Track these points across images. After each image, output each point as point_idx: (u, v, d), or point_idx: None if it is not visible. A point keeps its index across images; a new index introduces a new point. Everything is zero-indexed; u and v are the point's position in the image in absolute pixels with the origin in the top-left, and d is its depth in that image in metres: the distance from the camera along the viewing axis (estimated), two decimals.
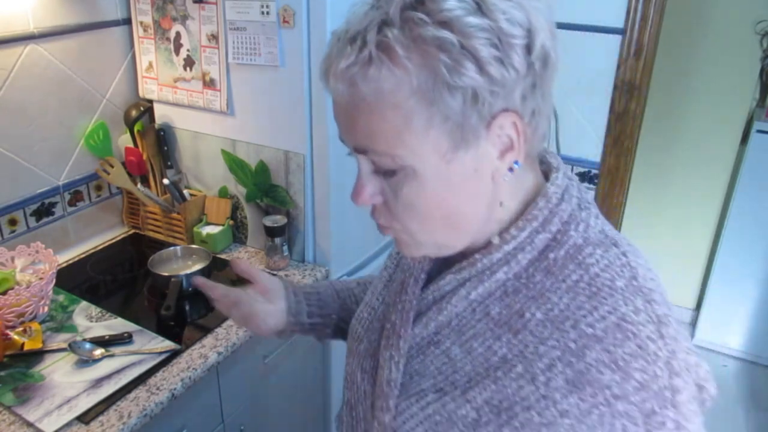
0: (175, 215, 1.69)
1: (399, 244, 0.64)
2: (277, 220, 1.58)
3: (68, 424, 1.08)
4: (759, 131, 2.50)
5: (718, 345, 2.89)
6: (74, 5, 1.53)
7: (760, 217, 2.59)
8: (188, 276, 1.46)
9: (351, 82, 0.54)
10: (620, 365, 0.53)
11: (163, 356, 1.24)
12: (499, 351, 0.59)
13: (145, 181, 1.72)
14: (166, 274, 1.46)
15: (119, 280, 1.56)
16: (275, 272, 1.59)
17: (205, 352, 1.27)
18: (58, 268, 1.44)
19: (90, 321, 1.36)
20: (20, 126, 1.48)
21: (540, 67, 0.56)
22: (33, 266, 1.41)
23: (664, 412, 0.53)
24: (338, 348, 1.68)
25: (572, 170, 2.08)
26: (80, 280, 1.53)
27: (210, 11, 1.50)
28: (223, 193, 1.71)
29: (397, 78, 0.53)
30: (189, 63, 1.59)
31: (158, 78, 1.67)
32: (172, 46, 1.61)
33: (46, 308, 1.37)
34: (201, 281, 0.93)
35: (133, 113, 1.67)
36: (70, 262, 1.61)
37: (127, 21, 1.66)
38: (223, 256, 1.66)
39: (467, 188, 0.58)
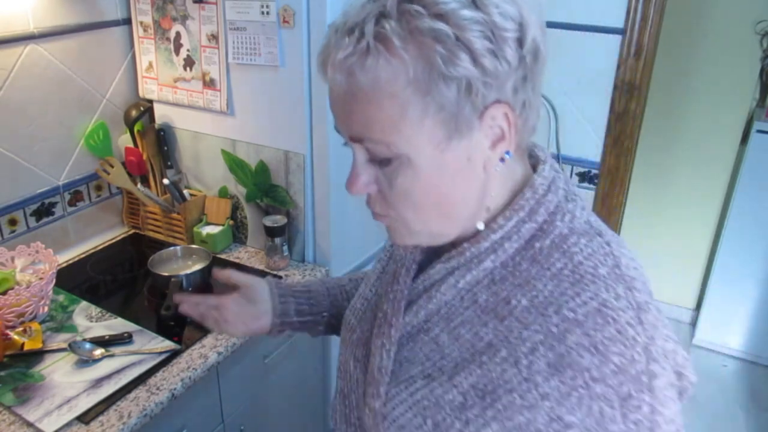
0: (175, 215, 1.69)
1: (392, 232, 0.66)
2: (277, 220, 1.58)
3: (68, 424, 1.08)
4: (759, 131, 2.49)
5: (718, 345, 2.89)
6: (74, 5, 1.53)
7: (760, 217, 2.59)
8: (188, 276, 1.46)
9: (349, 72, 0.55)
10: (600, 349, 0.55)
11: (163, 356, 1.24)
12: (485, 337, 0.61)
13: (145, 181, 1.72)
14: (166, 274, 1.46)
15: (119, 280, 1.56)
16: (275, 272, 1.59)
17: (205, 352, 1.27)
18: (58, 268, 1.44)
19: (90, 321, 1.36)
20: (20, 126, 1.48)
21: (531, 60, 0.57)
22: (33, 266, 1.41)
23: (640, 395, 0.54)
24: (338, 348, 1.68)
25: (572, 170, 2.09)
26: (80, 280, 1.53)
27: (210, 11, 1.50)
28: (223, 193, 1.71)
29: (394, 68, 0.54)
30: (189, 63, 1.59)
31: (158, 78, 1.67)
32: (172, 46, 1.61)
33: (46, 308, 1.37)
34: (185, 309, 0.95)
35: (133, 113, 1.67)
36: (70, 262, 1.61)
37: (127, 21, 1.66)
38: (223, 256, 1.66)
39: (460, 177, 0.60)
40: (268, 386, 1.51)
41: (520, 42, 0.56)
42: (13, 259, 1.40)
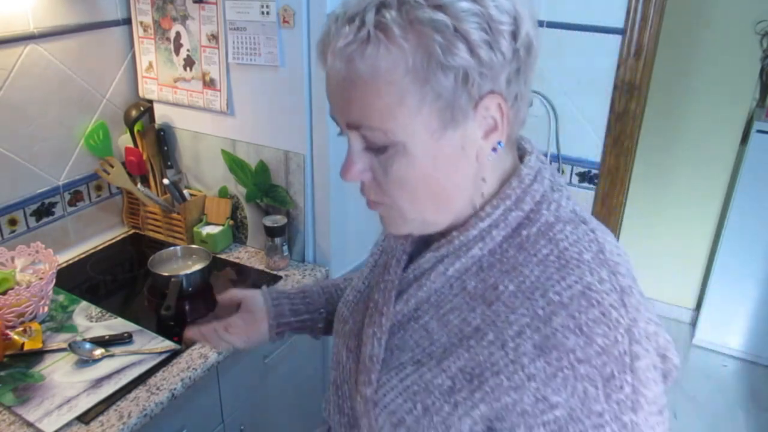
0: (175, 215, 1.69)
1: (386, 221, 0.67)
2: (277, 220, 1.58)
3: (68, 424, 1.08)
4: (759, 131, 2.49)
5: (718, 345, 2.89)
6: (74, 5, 1.53)
7: (760, 218, 2.59)
8: (188, 276, 1.46)
9: (349, 59, 0.57)
10: (584, 330, 0.56)
11: (163, 356, 1.24)
12: (473, 322, 0.62)
13: (145, 181, 1.72)
14: (166, 274, 1.46)
15: (119, 280, 1.56)
16: (275, 272, 1.59)
17: (205, 352, 1.27)
18: (58, 268, 1.44)
19: (90, 321, 1.36)
20: (20, 126, 1.48)
21: (524, 53, 0.59)
22: (33, 266, 1.41)
23: (622, 376, 0.55)
24: None
25: (572, 170, 2.09)
26: (80, 280, 1.53)
27: (210, 11, 1.50)
28: (223, 193, 1.71)
29: (393, 56, 0.55)
30: (189, 63, 1.59)
31: (158, 78, 1.67)
32: (172, 46, 1.61)
33: (46, 308, 1.37)
34: (189, 334, 0.98)
35: (133, 113, 1.67)
36: (70, 262, 1.61)
37: (127, 21, 1.66)
38: (223, 256, 1.66)
39: (454, 166, 0.61)
40: (268, 386, 1.51)
41: (515, 35, 0.57)
42: (13, 259, 1.40)
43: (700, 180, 2.85)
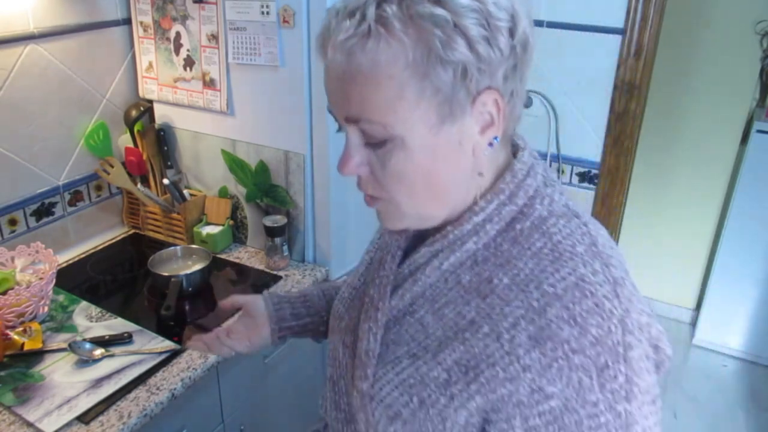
0: (175, 215, 1.69)
1: (383, 216, 0.68)
2: (277, 220, 1.58)
3: (68, 424, 1.08)
4: (759, 131, 2.49)
5: (718, 345, 2.89)
6: (74, 5, 1.53)
7: (760, 217, 2.59)
8: (188, 276, 1.46)
9: (349, 53, 0.57)
10: (578, 321, 0.57)
11: (163, 356, 1.24)
12: (468, 315, 0.63)
13: (145, 181, 1.72)
14: (166, 274, 1.46)
15: (119, 280, 1.56)
16: (275, 272, 1.59)
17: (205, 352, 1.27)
18: (58, 268, 1.44)
19: (90, 321, 1.36)
20: (20, 126, 1.48)
21: (521, 50, 0.60)
22: (33, 266, 1.41)
23: (616, 366, 0.56)
24: None
25: (572, 170, 2.09)
26: (80, 280, 1.53)
27: (210, 11, 1.50)
28: (223, 193, 1.71)
29: (393, 50, 0.56)
30: (189, 63, 1.59)
31: (158, 78, 1.67)
32: (172, 46, 1.61)
33: (46, 308, 1.37)
34: (190, 344, 0.99)
35: (133, 113, 1.67)
36: (70, 262, 1.61)
37: (127, 21, 1.66)
38: (223, 256, 1.66)
39: (451, 160, 0.62)
40: (268, 386, 1.51)
41: (512, 32, 0.58)
42: (13, 259, 1.40)
43: (700, 180, 2.85)
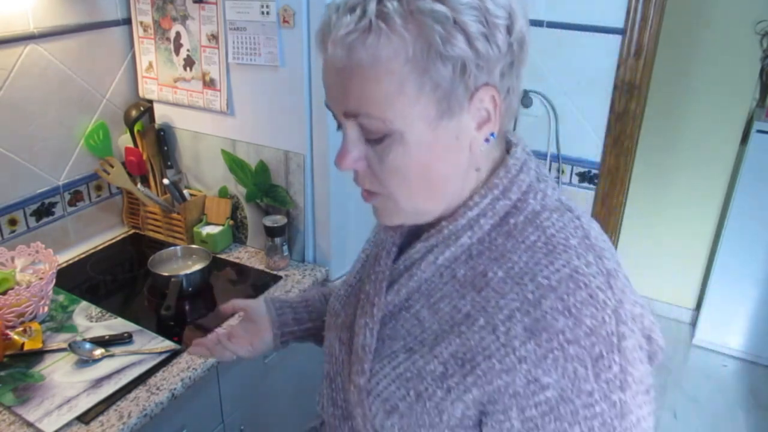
0: (175, 215, 1.69)
1: (379, 212, 0.68)
2: (277, 220, 1.58)
3: (68, 424, 1.08)
4: (759, 131, 2.49)
5: (718, 345, 2.89)
6: (74, 5, 1.53)
7: (760, 217, 2.59)
8: (188, 276, 1.46)
9: (350, 48, 0.57)
10: (572, 312, 0.57)
11: (163, 356, 1.24)
12: (464, 308, 0.64)
13: (145, 181, 1.72)
14: (166, 274, 1.46)
15: (119, 280, 1.56)
16: (275, 272, 1.59)
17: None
18: (58, 268, 1.44)
19: (90, 321, 1.36)
20: (20, 126, 1.48)
21: (517, 48, 0.61)
22: (33, 266, 1.41)
23: (610, 356, 0.57)
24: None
25: (572, 170, 2.09)
26: (80, 280, 1.53)
27: (210, 11, 1.50)
28: (223, 193, 1.71)
29: (394, 46, 0.56)
30: (189, 63, 1.59)
31: (158, 78, 1.67)
32: (172, 46, 1.61)
33: (46, 308, 1.37)
34: (193, 351, 0.99)
35: (133, 113, 1.67)
36: (70, 262, 1.61)
37: (127, 21, 1.66)
38: (223, 256, 1.66)
39: (448, 155, 0.62)
40: (268, 386, 1.51)
41: (509, 30, 0.59)
42: (13, 259, 1.40)
43: (700, 180, 2.85)
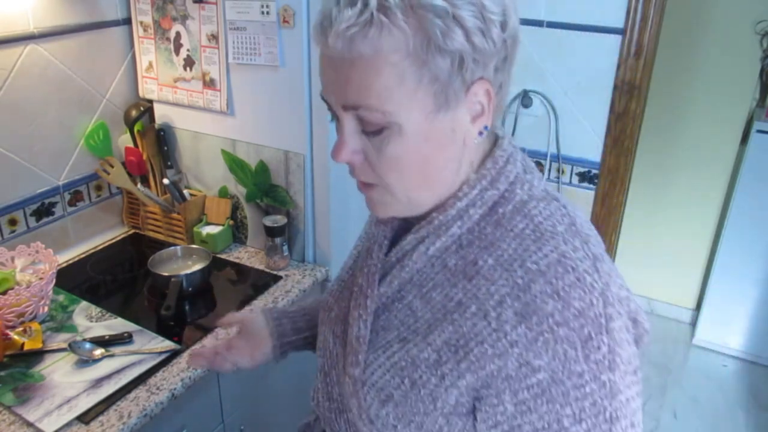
0: (175, 215, 1.69)
1: (374, 203, 0.69)
2: (277, 220, 1.58)
3: (68, 424, 1.08)
4: (759, 131, 2.49)
5: (718, 345, 2.89)
6: (74, 5, 1.53)
7: (760, 217, 2.59)
8: (188, 276, 1.46)
9: (351, 41, 0.58)
10: (561, 295, 0.59)
11: (163, 356, 1.24)
12: (455, 297, 0.65)
13: (145, 181, 1.72)
14: (166, 274, 1.46)
15: (119, 280, 1.56)
16: (275, 272, 1.59)
17: None
18: (58, 268, 1.44)
19: (90, 321, 1.36)
20: (20, 126, 1.48)
21: (511, 44, 0.63)
22: (33, 266, 1.41)
23: (599, 337, 0.59)
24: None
25: (572, 170, 2.09)
26: (80, 280, 1.53)
27: (210, 11, 1.50)
28: (223, 193, 1.71)
29: (395, 39, 0.57)
30: (189, 63, 1.59)
31: (158, 78, 1.67)
32: (172, 46, 1.61)
33: (46, 308, 1.37)
34: (192, 362, 0.99)
35: (133, 113, 1.67)
36: (70, 262, 1.61)
37: (127, 21, 1.66)
38: (223, 256, 1.66)
39: (444, 147, 0.64)
40: (268, 386, 1.51)
41: (503, 26, 0.60)
42: (13, 259, 1.40)
43: (700, 180, 2.85)
